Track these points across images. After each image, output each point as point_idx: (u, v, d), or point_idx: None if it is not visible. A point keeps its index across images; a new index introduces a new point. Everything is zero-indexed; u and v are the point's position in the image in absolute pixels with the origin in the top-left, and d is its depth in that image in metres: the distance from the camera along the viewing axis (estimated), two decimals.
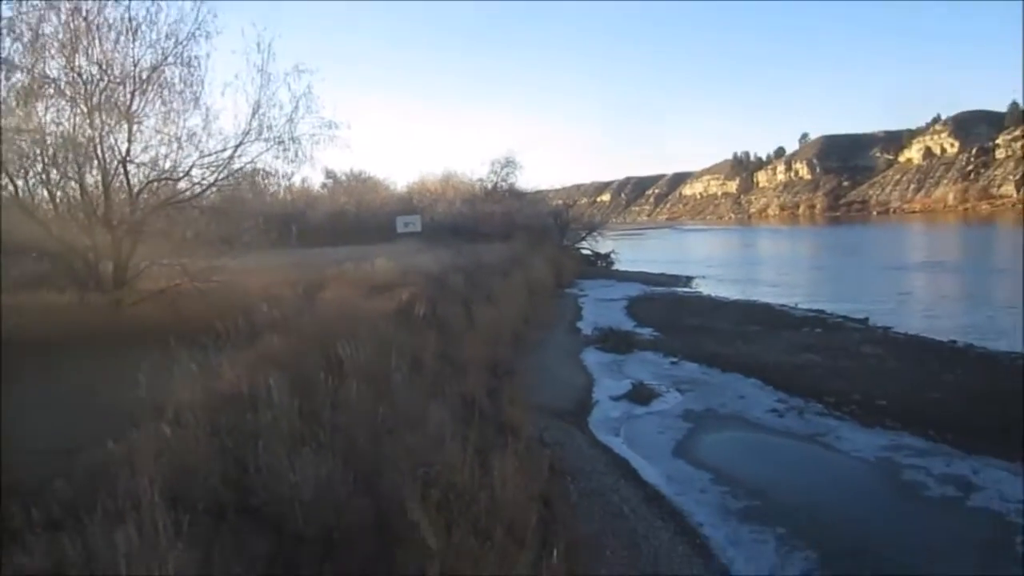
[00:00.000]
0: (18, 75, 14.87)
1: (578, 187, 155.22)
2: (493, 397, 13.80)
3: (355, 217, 45.08)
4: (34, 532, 4.48)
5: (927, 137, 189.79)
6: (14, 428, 7.78)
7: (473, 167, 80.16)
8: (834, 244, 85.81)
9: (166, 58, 16.14)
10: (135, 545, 4.42)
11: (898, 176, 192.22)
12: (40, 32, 14.92)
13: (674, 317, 30.73)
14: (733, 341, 24.31)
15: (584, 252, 62.18)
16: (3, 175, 12.11)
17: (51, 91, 15.34)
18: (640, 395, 17.85)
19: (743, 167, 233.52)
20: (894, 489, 11.78)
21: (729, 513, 10.93)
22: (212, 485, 5.84)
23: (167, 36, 16.03)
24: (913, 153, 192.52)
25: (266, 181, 20.03)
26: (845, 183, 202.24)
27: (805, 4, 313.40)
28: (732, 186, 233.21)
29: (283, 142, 17.56)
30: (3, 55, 11.61)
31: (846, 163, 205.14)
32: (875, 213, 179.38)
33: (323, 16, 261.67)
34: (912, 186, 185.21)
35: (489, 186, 55.93)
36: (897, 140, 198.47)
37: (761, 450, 14.32)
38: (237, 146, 17.28)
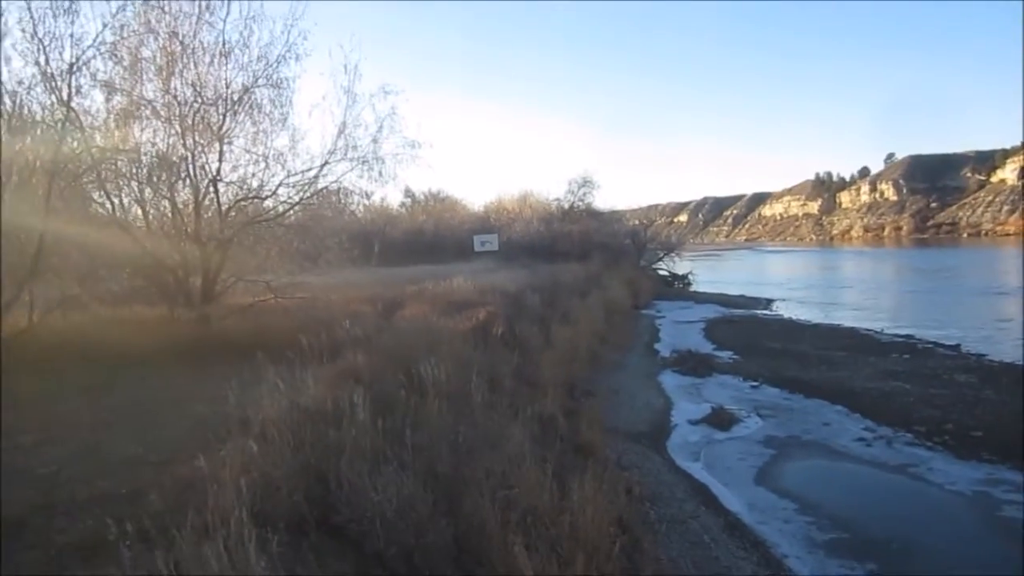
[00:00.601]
0: (118, 97, 15.50)
1: (655, 207, 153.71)
2: (570, 418, 13.68)
3: (433, 235, 45.51)
4: (126, 545, 4.56)
5: (1022, 156, 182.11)
6: (108, 436, 8.07)
7: (550, 187, 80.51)
8: (922, 267, 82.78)
9: (257, 80, 16.64)
10: (224, 562, 4.46)
11: (990, 197, 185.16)
12: (139, 56, 15.54)
13: (754, 340, 30.04)
14: (817, 366, 23.60)
15: (661, 273, 61.51)
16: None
17: (147, 112, 15.95)
18: (720, 419, 17.43)
19: (825, 187, 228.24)
20: (992, 527, 11.17)
21: (815, 545, 10.53)
22: (296, 501, 5.88)
23: (258, 58, 16.54)
24: (1007, 173, 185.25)
25: (347, 199, 20.44)
26: (933, 204, 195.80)
27: (888, 22, 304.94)
28: (813, 207, 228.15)
29: (367, 162, 17.91)
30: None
31: (934, 184, 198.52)
32: (965, 235, 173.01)
33: (407, 38, 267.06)
34: (1006, 207, 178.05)
35: (566, 206, 55.77)
36: (989, 160, 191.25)
37: (848, 480, 13.78)
38: (322, 165, 17.70)
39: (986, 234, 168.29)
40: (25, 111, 13.39)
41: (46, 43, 13.09)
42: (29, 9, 12.80)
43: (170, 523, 4.78)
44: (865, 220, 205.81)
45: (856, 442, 15.55)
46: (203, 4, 15.79)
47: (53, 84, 13.41)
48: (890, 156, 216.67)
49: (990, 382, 20.17)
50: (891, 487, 13.18)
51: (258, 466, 5.95)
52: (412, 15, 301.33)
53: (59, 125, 13.44)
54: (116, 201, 16.28)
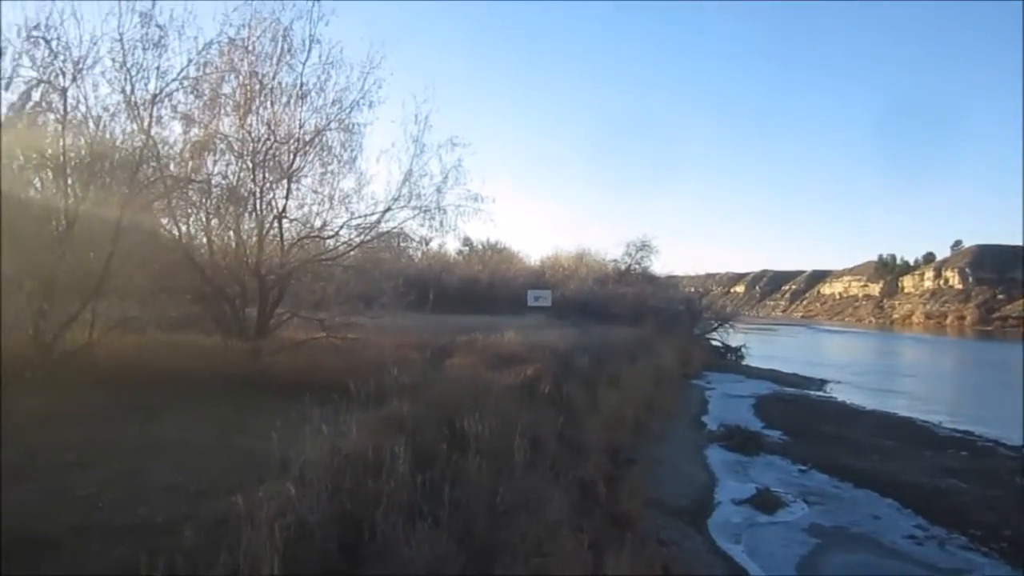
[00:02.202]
0: (195, 130, 15.98)
1: (712, 276, 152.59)
2: (611, 486, 13.42)
3: (488, 286, 45.60)
4: None
5: None
6: (151, 461, 8.11)
7: (607, 247, 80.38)
8: (985, 360, 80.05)
9: (329, 123, 17.00)
10: None
11: None
12: (219, 92, 16.04)
13: (805, 422, 29.27)
14: (869, 455, 22.84)
15: (714, 343, 60.65)
16: None
17: (222, 146, 16.40)
18: (765, 502, 16.92)
19: (888, 270, 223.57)
20: None
21: None
22: (328, 549, 5.80)
23: (333, 102, 16.91)
24: None
25: (405, 244, 20.61)
26: (1000, 296, 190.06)
27: (960, 106, 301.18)
28: (875, 289, 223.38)
29: (429, 211, 18.04)
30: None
31: (1002, 275, 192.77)
32: None
33: (478, 93, 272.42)
34: None
35: (622, 267, 55.64)
36: None
37: None
38: (385, 211, 17.89)
39: None
40: (107, 136, 13.86)
41: (133, 73, 13.62)
42: (121, 40, 13.34)
43: (201, 560, 4.73)
44: (928, 306, 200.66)
45: (906, 539, 14.95)
46: (284, 46, 16.27)
47: (136, 113, 13.91)
48: (957, 243, 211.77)
49: None
50: None
51: (294, 509, 5.88)
52: (488, 66, 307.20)
53: (137, 152, 13.89)
54: (184, 229, 16.70)
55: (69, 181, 13.07)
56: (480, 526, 6.99)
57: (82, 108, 13.30)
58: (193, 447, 9.00)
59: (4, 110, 12.66)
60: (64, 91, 12.81)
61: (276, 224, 17.12)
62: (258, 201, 16.78)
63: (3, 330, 11.41)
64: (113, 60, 13.48)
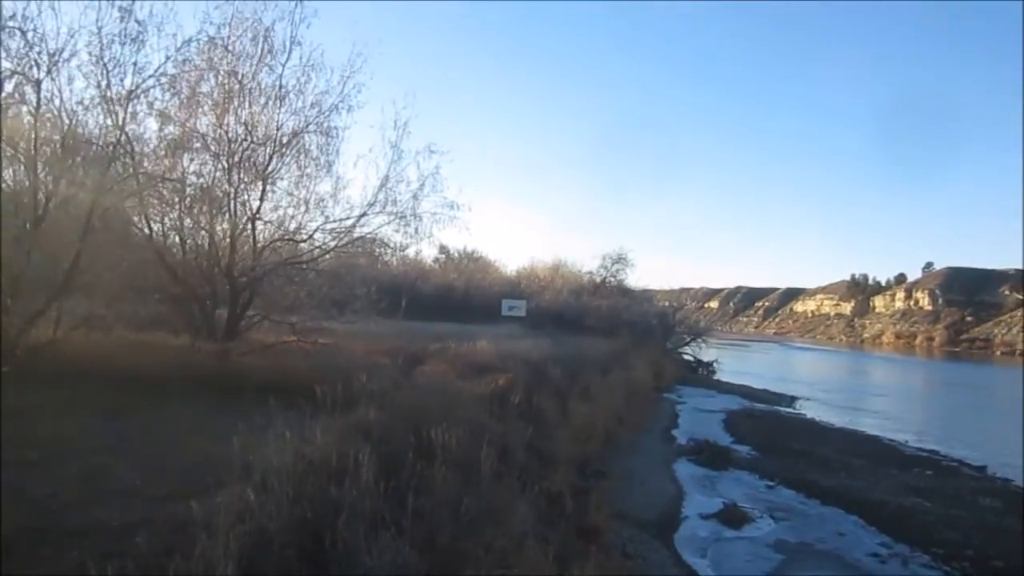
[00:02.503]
0: (171, 127, 15.80)
1: (687, 290, 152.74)
2: (579, 499, 13.40)
3: (463, 294, 45.54)
4: None
5: None
6: (111, 462, 7.98)
7: (584, 259, 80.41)
8: (953, 380, 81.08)
9: (308, 125, 16.93)
10: None
11: None
12: (197, 90, 15.89)
13: (774, 437, 29.41)
14: (836, 472, 23.00)
15: (687, 357, 60.91)
16: None
17: (198, 145, 16.22)
18: (731, 517, 16.95)
19: (860, 289, 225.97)
20: None
21: None
22: (288, 556, 5.71)
23: (312, 105, 16.85)
24: None
25: (381, 250, 20.53)
26: (968, 318, 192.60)
27: (938, 127, 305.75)
28: (847, 307, 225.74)
29: (405, 217, 18.00)
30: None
31: (971, 297, 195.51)
32: (999, 352, 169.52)
33: (457, 99, 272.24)
34: None
35: (598, 280, 55.73)
36: None
37: None
38: (361, 216, 17.83)
39: (1020, 354, 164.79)
40: (80, 131, 13.66)
41: (110, 68, 13.45)
42: (99, 33, 13.18)
43: (153, 566, 4.64)
44: (898, 326, 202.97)
45: (870, 557, 15.05)
46: (265, 47, 16.17)
47: (111, 108, 13.73)
48: (928, 265, 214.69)
49: (1015, 510, 19.43)
50: None
51: (254, 516, 5.80)
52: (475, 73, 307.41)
53: (110, 148, 13.71)
54: (156, 227, 16.51)
55: (40, 175, 12.87)
56: (444, 536, 6.93)
57: (56, 101, 13.12)
58: (156, 448, 8.88)
59: None
60: (38, 83, 12.61)
61: (250, 225, 16.97)
62: (232, 202, 16.61)
63: None
64: (90, 54, 13.31)
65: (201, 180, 16.64)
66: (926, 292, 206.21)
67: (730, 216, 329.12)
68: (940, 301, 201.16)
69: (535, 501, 10.29)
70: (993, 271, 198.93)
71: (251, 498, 5.95)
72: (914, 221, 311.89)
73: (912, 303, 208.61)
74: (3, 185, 13.15)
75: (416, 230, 18.28)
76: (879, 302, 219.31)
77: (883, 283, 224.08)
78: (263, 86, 16.47)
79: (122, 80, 13.71)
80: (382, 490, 6.95)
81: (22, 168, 13.02)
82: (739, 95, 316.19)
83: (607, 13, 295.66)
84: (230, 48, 15.97)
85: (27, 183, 12.83)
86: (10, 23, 12.23)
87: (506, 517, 8.35)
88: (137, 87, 13.86)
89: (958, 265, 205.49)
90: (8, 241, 12.03)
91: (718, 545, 15.21)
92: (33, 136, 12.76)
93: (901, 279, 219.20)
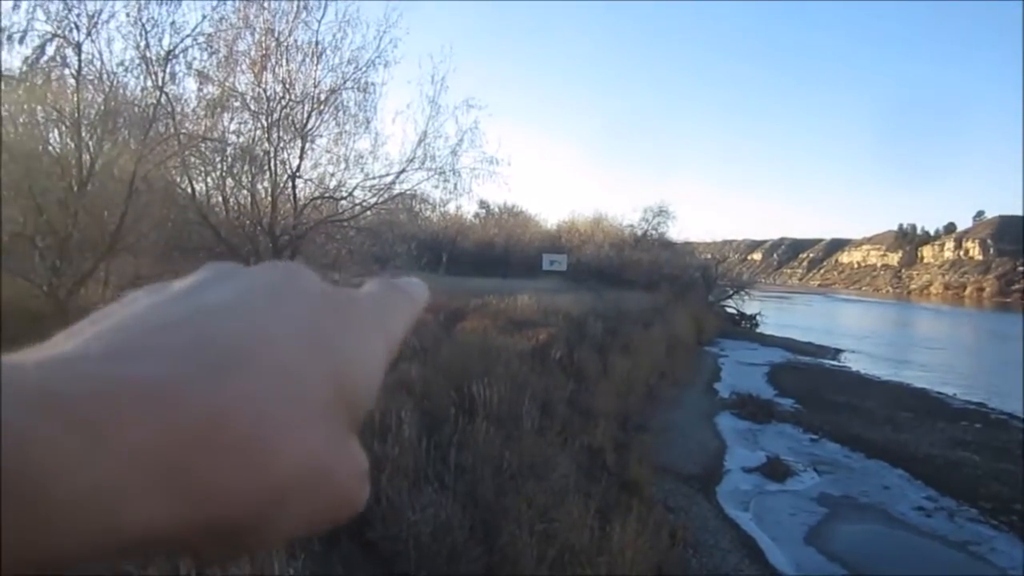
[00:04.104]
0: (210, 87, 15.85)
1: (729, 243, 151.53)
2: (620, 452, 13.42)
3: (503, 249, 45.54)
4: None
5: None
6: None
7: (625, 212, 79.82)
8: (1004, 332, 79.31)
9: (345, 82, 16.82)
10: (244, 568, 4.40)
11: None
12: (234, 49, 15.88)
13: (818, 391, 29.10)
14: (881, 425, 22.72)
15: (729, 310, 60.29)
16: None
17: (237, 104, 16.26)
18: (775, 470, 16.88)
19: (908, 240, 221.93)
20: None
21: None
22: None
23: (348, 61, 16.72)
24: None
25: (421, 205, 20.54)
26: (1021, 268, 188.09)
27: (989, 76, 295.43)
28: (894, 258, 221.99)
29: (444, 173, 17.91)
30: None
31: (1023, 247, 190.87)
32: None
33: (498, 54, 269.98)
34: None
35: (639, 233, 55.23)
36: None
37: (903, 550, 13.16)
38: (400, 172, 17.77)
39: None
40: (121, 92, 13.78)
41: (148, 28, 13.48)
42: None
43: None
44: (947, 277, 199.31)
45: (916, 511, 14.89)
46: (301, 3, 16.06)
47: (150, 68, 13.80)
48: (979, 214, 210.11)
49: None
50: (948, 563, 12.57)
51: None
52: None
53: (151, 109, 13.81)
54: (199, 187, 16.67)
55: (84, 137, 13.03)
56: (486, 491, 6.99)
57: (96, 64, 13.21)
58: None
59: (17, 64, 12.60)
60: (79, 46, 12.69)
61: (290, 184, 17.03)
62: (273, 160, 16.67)
63: (19, 286, 11.47)
64: (128, 15, 13.34)
65: (241, 139, 16.72)
66: (977, 241, 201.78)
67: (774, 167, 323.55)
68: (992, 251, 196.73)
69: (576, 455, 10.34)
70: None
71: None
72: (965, 169, 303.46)
73: (962, 253, 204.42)
74: (49, 148, 13.35)
75: (455, 186, 18.19)
76: (927, 252, 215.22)
77: (932, 233, 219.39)
78: (300, 43, 16.39)
79: (160, 40, 13.75)
80: (424, 446, 7.02)
81: (66, 131, 13.19)
82: (783, 43, 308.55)
83: None
84: (265, 5, 15.91)
85: (72, 146, 13.00)
86: None
87: (547, 472, 8.40)
88: (175, 47, 13.88)
89: (1011, 213, 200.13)
90: (55, 204, 12.25)
91: (761, 498, 15.16)
92: (76, 99, 12.89)
93: (951, 228, 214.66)
